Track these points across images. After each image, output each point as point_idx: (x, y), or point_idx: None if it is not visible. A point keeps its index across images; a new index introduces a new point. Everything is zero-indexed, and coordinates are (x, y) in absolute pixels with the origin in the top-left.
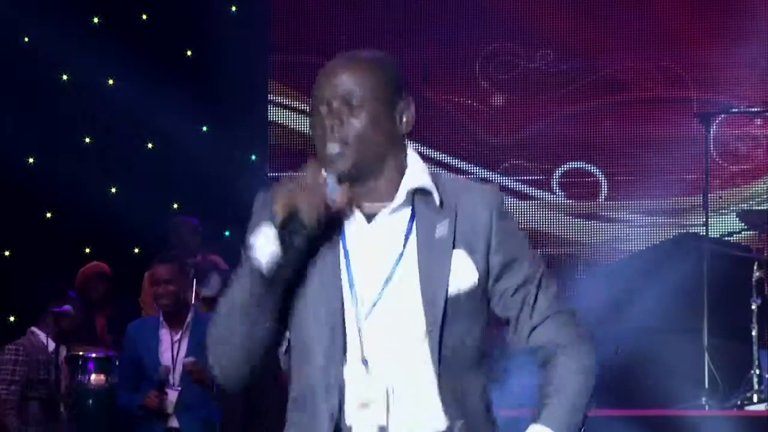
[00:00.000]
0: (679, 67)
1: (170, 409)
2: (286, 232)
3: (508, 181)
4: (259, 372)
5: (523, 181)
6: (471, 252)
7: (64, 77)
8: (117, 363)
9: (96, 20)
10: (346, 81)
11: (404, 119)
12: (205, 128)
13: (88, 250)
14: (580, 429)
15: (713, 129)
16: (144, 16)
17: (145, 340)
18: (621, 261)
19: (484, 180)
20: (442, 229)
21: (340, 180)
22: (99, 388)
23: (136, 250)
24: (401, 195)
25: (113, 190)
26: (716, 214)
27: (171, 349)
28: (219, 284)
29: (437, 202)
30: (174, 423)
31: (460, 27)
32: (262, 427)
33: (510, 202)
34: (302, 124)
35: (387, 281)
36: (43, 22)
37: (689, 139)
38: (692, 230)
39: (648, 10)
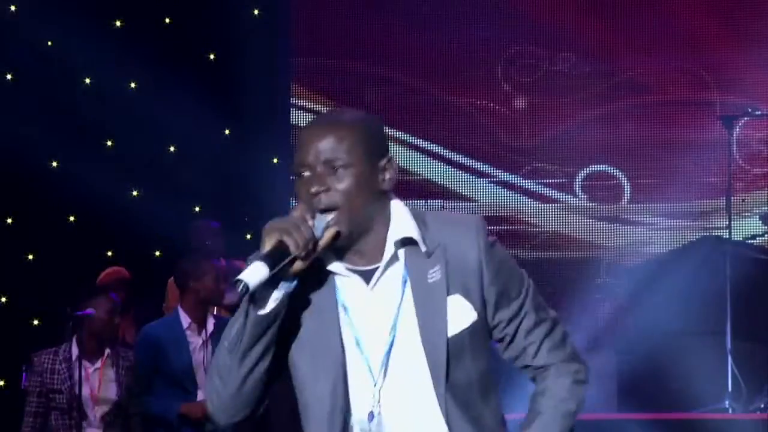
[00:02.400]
0: (701, 69)
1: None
2: (273, 261)
3: (530, 184)
4: (251, 412)
5: (546, 184)
6: (466, 293)
7: (87, 81)
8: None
9: (118, 24)
10: (328, 145)
11: (387, 176)
12: (227, 131)
13: (110, 254)
14: None
15: (736, 131)
16: (166, 20)
17: (171, 343)
18: (644, 264)
19: (497, 182)
20: (434, 275)
21: (328, 225)
22: None
23: (158, 253)
24: (389, 249)
25: (135, 193)
26: (739, 217)
27: (203, 351)
28: None
29: (423, 249)
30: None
31: (482, 30)
32: None
33: (532, 205)
34: None
35: (392, 336)
36: (66, 27)
37: (712, 141)
38: (715, 233)
39: (670, 13)
